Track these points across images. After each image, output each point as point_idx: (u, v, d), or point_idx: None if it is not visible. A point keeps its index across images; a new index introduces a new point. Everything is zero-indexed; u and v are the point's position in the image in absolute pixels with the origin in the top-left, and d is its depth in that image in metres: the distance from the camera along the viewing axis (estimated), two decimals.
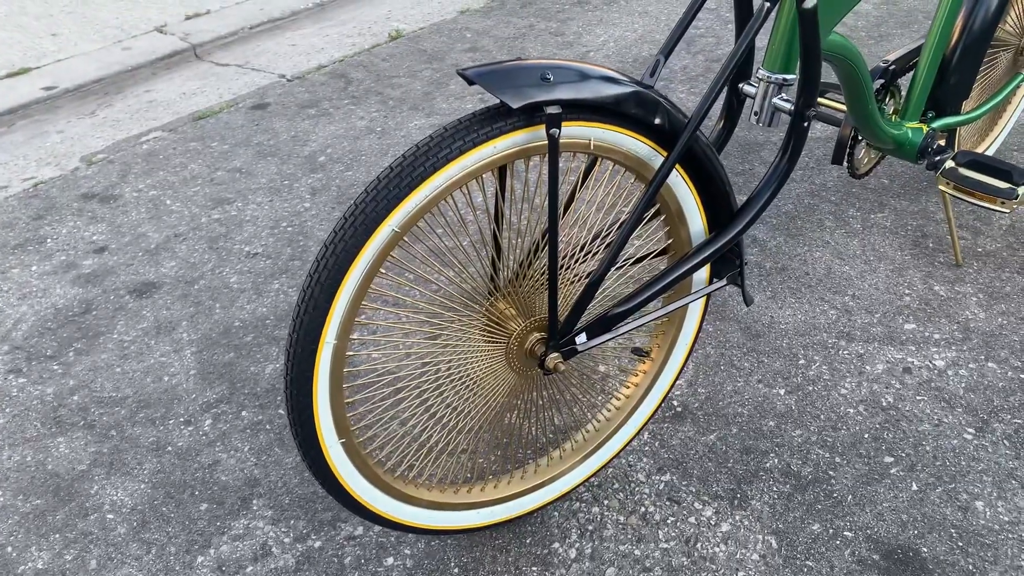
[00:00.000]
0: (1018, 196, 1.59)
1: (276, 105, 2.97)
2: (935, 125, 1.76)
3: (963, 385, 1.60)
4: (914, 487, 1.41)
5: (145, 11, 4.03)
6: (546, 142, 1.05)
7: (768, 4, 1.16)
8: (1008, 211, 1.61)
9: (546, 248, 1.16)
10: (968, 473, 1.43)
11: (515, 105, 1.01)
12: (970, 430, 1.51)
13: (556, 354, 1.20)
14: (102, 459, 1.57)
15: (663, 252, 1.33)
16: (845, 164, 1.74)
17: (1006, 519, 1.35)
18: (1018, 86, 1.99)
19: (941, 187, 1.67)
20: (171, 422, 1.65)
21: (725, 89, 1.31)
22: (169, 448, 1.59)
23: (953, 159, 1.67)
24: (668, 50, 1.21)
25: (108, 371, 1.78)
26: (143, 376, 1.76)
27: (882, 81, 1.70)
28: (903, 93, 1.75)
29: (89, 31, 3.83)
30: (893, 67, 1.71)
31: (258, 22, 3.93)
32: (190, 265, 2.11)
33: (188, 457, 1.56)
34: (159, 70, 3.53)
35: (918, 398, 1.58)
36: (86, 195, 2.46)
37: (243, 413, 1.65)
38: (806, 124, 1.24)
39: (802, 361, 1.68)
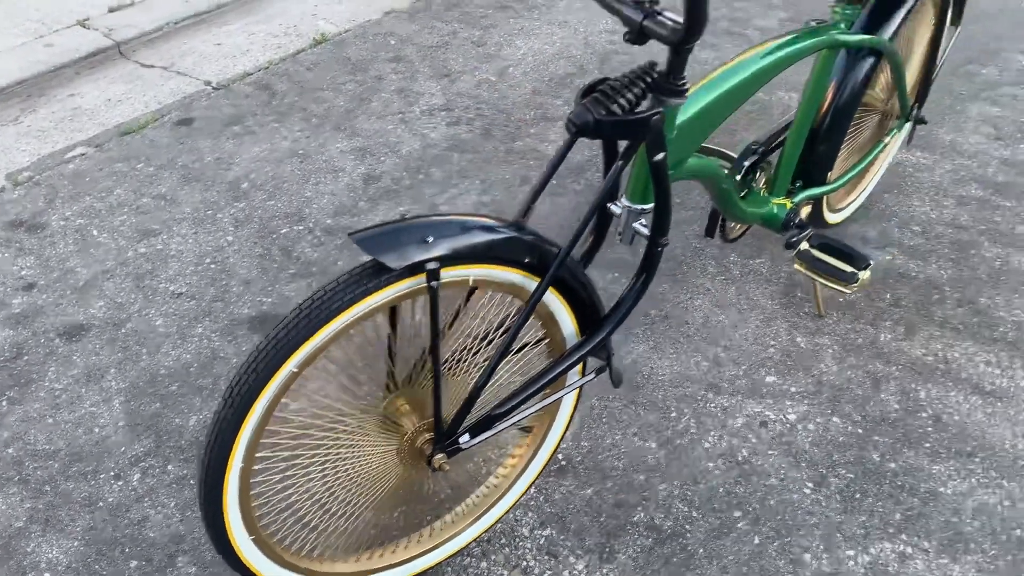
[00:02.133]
0: (858, 280, 1.81)
1: (201, 120, 3.05)
2: (800, 197, 1.96)
3: (809, 440, 1.84)
4: (756, 540, 1.65)
5: (67, 1, 3.99)
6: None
7: (621, 162, 1.33)
8: (849, 292, 1.83)
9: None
10: (802, 527, 1.67)
11: (396, 267, 1.17)
12: (809, 484, 1.75)
13: (442, 454, 1.38)
14: (38, 515, 1.72)
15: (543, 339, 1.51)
16: (724, 236, 1.94)
17: (827, 570, 1.60)
18: (883, 150, 2.20)
19: (796, 266, 1.88)
20: (102, 476, 1.80)
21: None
22: (100, 503, 1.75)
23: (808, 240, 1.88)
24: (537, 191, 1.37)
25: (41, 422, 1.91)
26: (74, 428, 1.90)
27: (754, 159, 1.89)
28: (773, 169, 1.94)
29: (9, 24, 3.80)
30: (762, 148, 1.90)
31: (184, 16, 3.93)
32: (117, 305, 2.23)
33: (118, 513, 1.72)
34: (83, 69, 3.55)
35: (770, 452, 1.82)
36: (13, 222, 2.54)
37: (169, 467, 1.81)
38: (659, 250, 1.43)
39: (674, 414, 1.90)
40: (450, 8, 3.80)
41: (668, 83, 1.31)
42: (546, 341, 1.50)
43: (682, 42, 1.17)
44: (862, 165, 2.13)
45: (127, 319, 2.19)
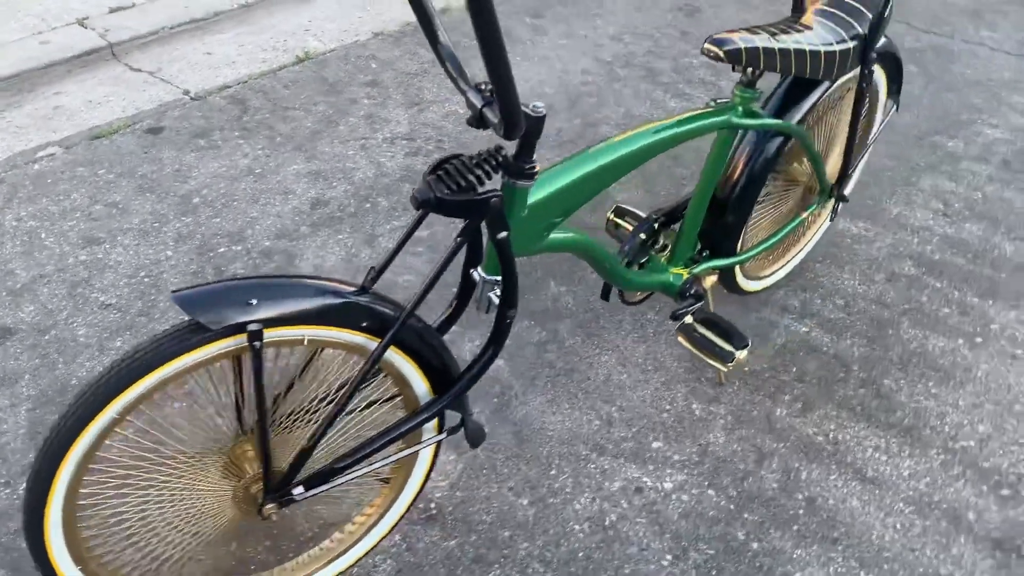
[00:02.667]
0: (734, 360, 1.83)
1: (170, 131, 3.13)
2: (701, 268, 1.99)
3: (679, 511, 1.86)
4: None
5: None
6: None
7: (460, 238, 1.37)
8: (725, 370, 1.85)
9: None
10: None
11: (214, 327, 1.22)
12: (668, 556, 1.78)
13: (272, 504, 1.43)
14: None
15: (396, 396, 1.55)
16: (623, 299, 1.97)
17: None
18: (801, 224, 2.21)
19: (679, 339, 1.91)
20: None
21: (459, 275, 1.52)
22: None
23: (693, 314, 1.90)
24: (388, 260, 1.42)
25: None
26: None
27: (653, 228, 1.92)
28: (674, 238, 1.96)
29: (9, 18, 3.92)
30: (663, 219, 1.93)
31: (180, 22, 4.03)
32: (47, 312, 2.31)
33: (0, 522, 1.79)
34: (74, 68, 3.65)
35: (637, 520, 1.84)
36: None
37: None
38: (508, 322, 1.46)
39: (554, 471, 1.93)
40: None
41: (515, 166, 1.35)
42: (400, 398, 1.54)
43: (505, 138, 1.21)
44: (777, 237, 2.14)
45: (52, 326, 2.26)
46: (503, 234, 1.35)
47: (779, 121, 1.85)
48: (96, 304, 2.35)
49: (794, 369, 2.20)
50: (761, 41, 1.66)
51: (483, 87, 1.29)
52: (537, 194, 1.45)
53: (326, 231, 2.65)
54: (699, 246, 2.05)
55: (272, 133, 3.12)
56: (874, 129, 2.31)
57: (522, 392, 2.11)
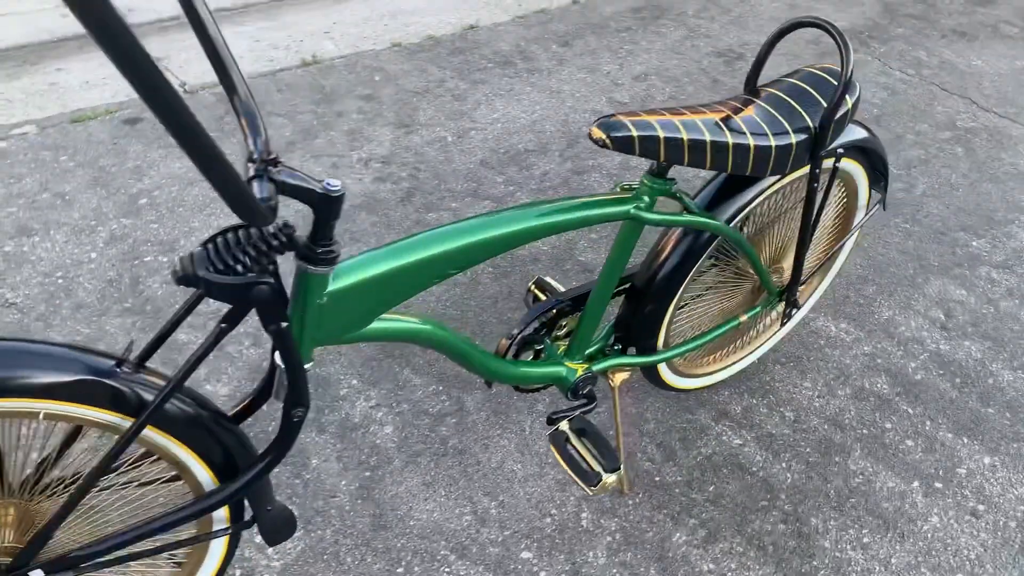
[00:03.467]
0: (599, 483, 1.59)
1: (147, 123, 3.04)
2: (604, 365, 1.76)
3: None
4: None
5: None
6: None
7: (224, 324, 1.19)
8: (591, 494, 1.61)
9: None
10: None
11: None
12: None
13: None
14: None
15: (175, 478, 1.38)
16: (517, 387, 1.75)
17: None
18: (736, 327, 1.95)
19: (550, 446, 1.67)
20: None
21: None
22: None
23: (570, 421, 1.67)
24: (162, 336, 1.24)
25: None
26: None
27: (553, 312, 1.70)
28: (574, 328, 1.74)
29: None
30: (568, 304, 1.70)
31: (214, 8, 3.96)
32: None
33: None
34: (85, 45, 3.61)
35: None
36: None
37: None
38: (296, 421, 1.28)
39: (400, 569, 1.73)
40: (455, 53, 3.68)
41: (306, 248, 1.17)
42: (180, 482, 1.37)
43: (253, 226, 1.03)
44: (708, 337, 1.89)
45: None
46: (279, 326, 1.17)
47: (694, 218, 1.60)
48: (1, 301, 2.25)
49: (711, 488, 1.94)
50: (664, 129, 1.42)
51: (265, 156, 1.10)
52: (344, 280, 1.25)
53: None
54: (613, 337, 1.82)
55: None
56: (851, 229, 2.03)
57: (400, 468, 1.92)
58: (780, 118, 1.58)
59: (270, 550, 1.73)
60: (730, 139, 1.50)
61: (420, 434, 2.00)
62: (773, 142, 1.55)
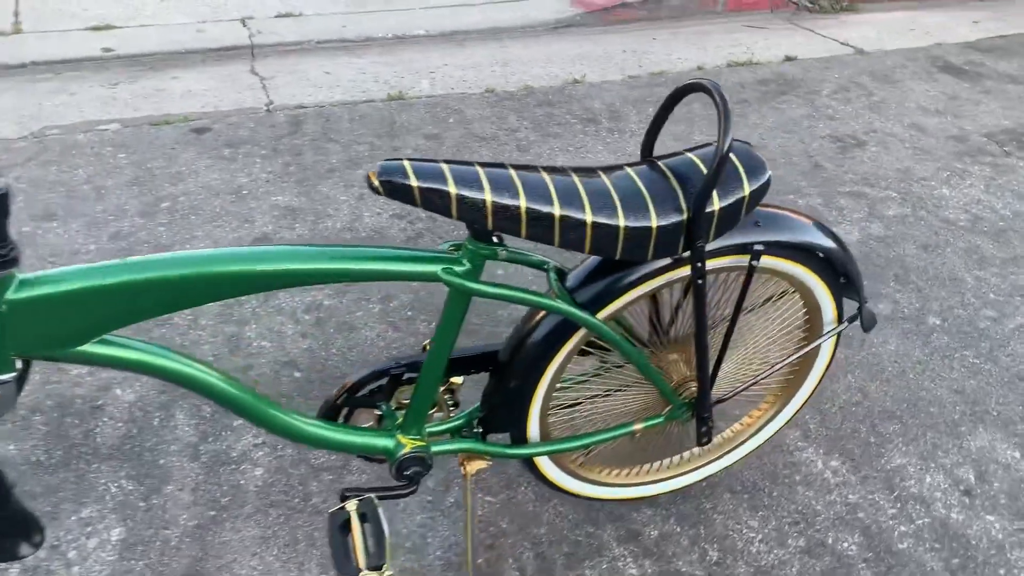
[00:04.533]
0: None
1: (213, 134, 3.17)
2: (443, 448, 1.54)
3: None
4: None
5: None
6: None
7: None
8: None
9: None
10: None
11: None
12: None
13: None
14: None
15: None
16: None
17: None
18: (632, 435, 1.65)
19: (328, 523, 1.46)
20: None
21: None
22: None
23: (360, 503, 1.45)
24: None
25: None
26: None
27: (389, 376, 1.52)
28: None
29: (184, 5, 4.24)
30: (399, 371, 1.52)
31: (329, 39, 4.13)
32: None
33: None
34: (208, 59, 3.86)
35: None
36: None
37: None
38: None
39: None
40: (542, 105, 3.56)
41: None
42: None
43: None
44: (593, 439, 1.61)
45: None
46: None
47: (532, 296, 1.36)
48: None
49: None
50: (460, 183, 1.22)
51: None
52: (31, 290, 1.15)
53: None
54: (478, 419, 1.60)
55: (292, 160, 3.03)
56: (823, 340, 1.68)
57: (247, 515, 1.79)
58: (646, 195, 1.32)
59: (75, 568, 1.66)
60: (557, 210, 1.26)
61: (287, 484, 1.86)
62: (622, 222, 1.29)
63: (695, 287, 1.41)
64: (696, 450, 1.87)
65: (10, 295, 1.14)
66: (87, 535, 1.72)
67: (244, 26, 4.10)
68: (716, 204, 1.35)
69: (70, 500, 1.79)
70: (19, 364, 1.23)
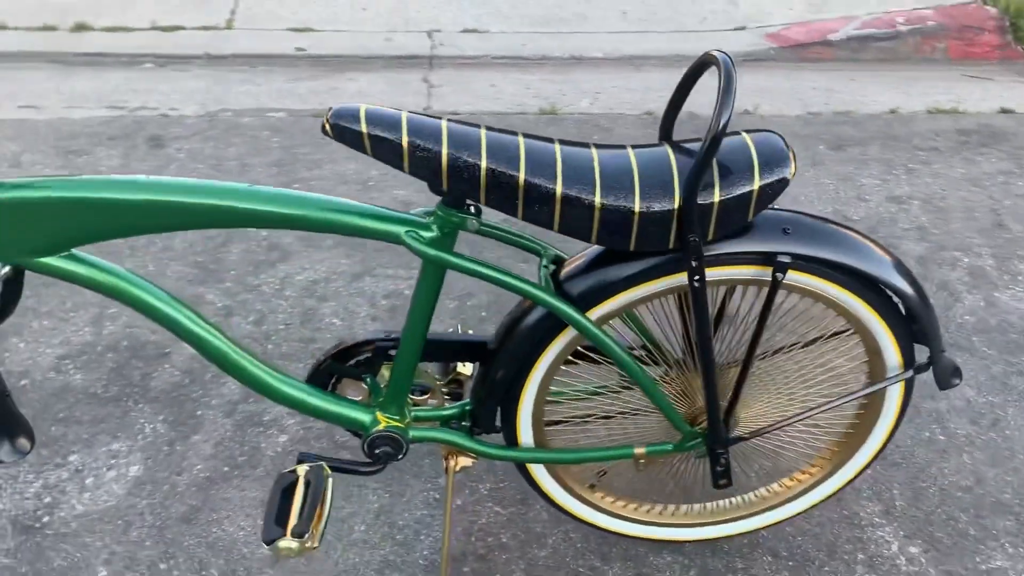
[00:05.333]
0: (273, 541, 1.27)
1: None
2: (421, 434, 1.45)
3: None
4: None
5: (444, 10, 4.50)
6: None
7: None
8: (266, 548, 1.30)
9: None
10: None
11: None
12: None
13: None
14: None
15: None
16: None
17: None
18: (632, 457, 1.45)
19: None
20: None
21: None
22: None
23: (311, 469, 1.37)
24: None
25: None
26: None
27: (368, 354, 1.46)
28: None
29: (379, 15, 4.46)
30: (387, 345, 1.45)
31: (506, 55, 4.19)
32: None
33: None
34: (390, 66, 4.05)
35: None
36: (64, 150, 3.10)
37: None
38: None
39: None
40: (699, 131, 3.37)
41: None
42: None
43: None
44: (585, 456, 1.45)
45: None
46: None
47: (496, 273, 1.25)
48: None
49: None
50: (417, 133, 1.14)
51: None
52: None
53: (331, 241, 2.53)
54: (470, 414, 1.50)
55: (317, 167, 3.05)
56: (854, 394, 1.42)
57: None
58: (636, 176, 1.17)
59: (86, 494, 1.72)
60: (522, 175, 1.15)
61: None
62: (598, 199, 1.15)
63: (692, 291, 1.23)
64: (734, 500, 1.64)
65: None
66: (109, 467, 1.79)
67: (429, 38, 4.24)
68: (716, 196, 1.17)
69: (107, 432, 1.87)
70: (6, 270, 1.28)
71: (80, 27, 4.05)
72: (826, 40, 4.32)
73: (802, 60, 4.29)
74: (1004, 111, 3.70)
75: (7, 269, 1.28)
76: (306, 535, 1.27)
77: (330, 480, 1.36)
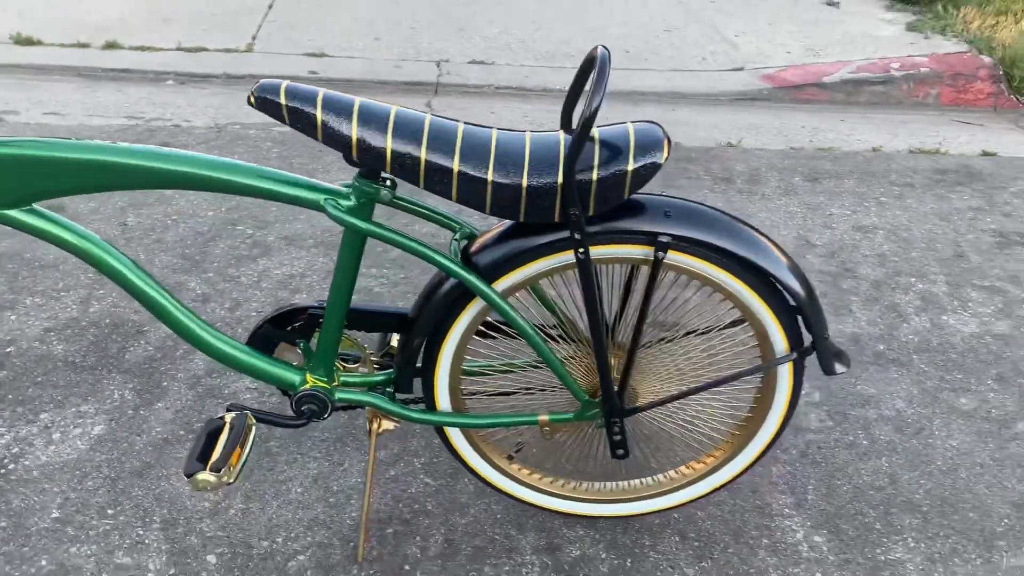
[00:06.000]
0: (194, 474, 1.40)
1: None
2: (347, 396, 1.57)
3: None
4: None
5: (463, 43, 4.71)
6: None
7: None
8: (186, 479, 1.43)
9: None
10: None
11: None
12: None
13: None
14: None
15: None
16: None
17: None
18: (536, 424, 1.57)
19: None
20: None
21: None
22: None
23: (237, 417, 1.50)
24: None
25: None
26: None
27: (302, 320, 1.60)
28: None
29: (393, 45, 4.68)
30: (317, 311, 1.59)
31: (508, 85, 4.37)
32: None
33: None
34: (395, 90, 4.25)
35: None
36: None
37: None
38: None
39: None
40: (680, 161, 3.51)
41: None
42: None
43: None
44: (491, 421, 1.57)
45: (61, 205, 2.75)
46: None
47: (410, 242, 1.39)
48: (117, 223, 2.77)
49: None
50: (331, 109, 1.29)
51: None
52: None
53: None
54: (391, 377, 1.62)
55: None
56: (738, 373, 1.53)
57: None
58: (527, 155, 1.32)
59: (51, 448, 1.87)
60: (423, 153, 1.30)
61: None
62: (491, 176, 1.30)
63: (578, 263, 1.36)
64: (644, 480, 1.74)
65: None
66: (76, 425, 1.94)
67: (437, 67, 4.45)
68: (595, 174, 1.31)
69: (79, 396, 2.02)
70: None
71: (111, 45, 4.31)
72: (820, 82, 4.45)
73: (795, 101, 4.43)
74: (986, 154, 3.79)
75: None
76: (223, 470, 1.40)
77: (253, 428, 1.50)
